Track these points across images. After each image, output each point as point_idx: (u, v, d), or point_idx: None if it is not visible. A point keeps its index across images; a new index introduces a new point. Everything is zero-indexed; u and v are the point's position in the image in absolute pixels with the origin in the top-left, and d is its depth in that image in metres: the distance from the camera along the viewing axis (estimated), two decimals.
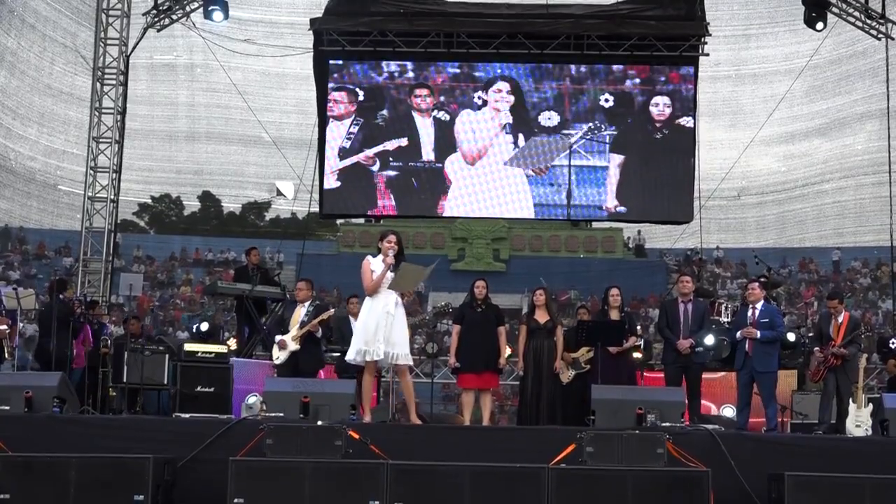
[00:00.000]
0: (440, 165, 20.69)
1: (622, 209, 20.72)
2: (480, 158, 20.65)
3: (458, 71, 20.87)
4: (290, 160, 28.89)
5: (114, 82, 21.74)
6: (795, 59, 35.61)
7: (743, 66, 43.78)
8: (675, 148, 20.56)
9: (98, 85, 21.73)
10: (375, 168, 20.70)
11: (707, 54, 20.77)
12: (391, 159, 20.73)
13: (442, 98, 20.84)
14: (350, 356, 12.11)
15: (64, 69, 42.01)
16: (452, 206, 20.89)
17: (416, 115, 20.78)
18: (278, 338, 14.07)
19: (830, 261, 47.86)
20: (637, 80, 20.71)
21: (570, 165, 20.43)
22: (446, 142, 20.72)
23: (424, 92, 20.82)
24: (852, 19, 21.91)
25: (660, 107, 20.58)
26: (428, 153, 20.72)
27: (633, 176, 20.57)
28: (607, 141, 20.56)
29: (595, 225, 45.43)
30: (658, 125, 20.56)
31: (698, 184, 20.96)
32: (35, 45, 42.00)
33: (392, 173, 20.71)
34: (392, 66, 20.87)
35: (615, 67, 20.71)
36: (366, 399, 12.25)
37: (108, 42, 21.80)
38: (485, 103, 20.69)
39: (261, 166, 48.69)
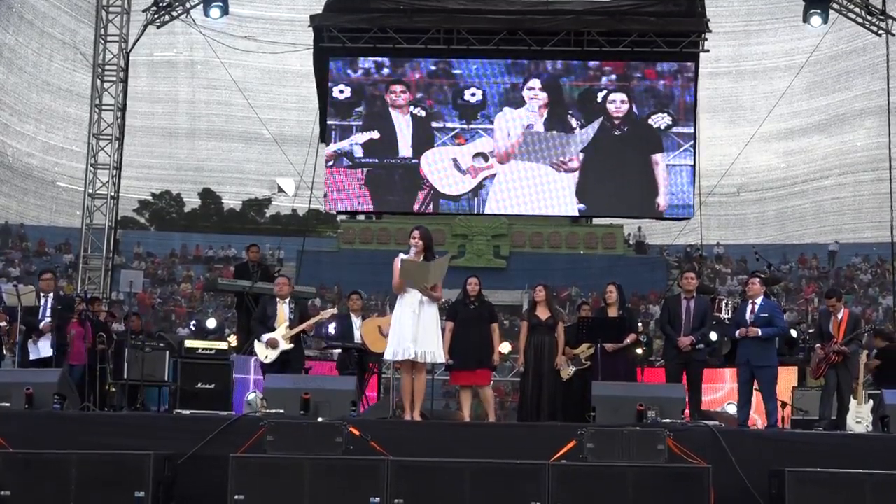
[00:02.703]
0: (416, 162, 20.69)
1: (582, 206, 20.81)
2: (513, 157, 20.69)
3: (434, 68, 20.90)
4: (290, 157, 28.89)
5: (114, 79, 21.75)
6: (795, 56, 35.64)
7: (743, 62, 43.85)
8: (637, 144, 20.60)
9: (98, 82, 21.73)
10: (349, 164, 20.67)
11: (707, 51, 20.77)
12: (367, 156, 20.71)
13: (419, 94, 20.84)
14: (386, 355, 12.26)
15: (63, 66, 42.08)
16: (494, 203, 20.87)
17: (393, 111, 20.77)
18: (266, 336, 13.88)
19: (827, 252, 47.80)
20: (613, 77, 20.73)
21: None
22: (423, 138, 20.72)
23: (400, 88, 20.82)
24: (852, 15, 21.90)
25: (616, 103, 20.61)
26: (405, 149, 20.71)
27: (593, 173, 20.60)
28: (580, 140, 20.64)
29: (595, 221, 45.39)
30: (616, 122, 20.60)
31: (698, 180, 20.97)
32: (33, 42, 42.07)
33: (368, 170, 20.70)
34: (368, 62, 20.89)
35: (591, 64, 20.75)
36: (405, 398, 12.27)
37: (109, 39, 21.80)
38: (523, 101, 20.71)
39: (261, 163, 48.71)
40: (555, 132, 20.55)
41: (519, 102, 20.63)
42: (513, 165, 20.60)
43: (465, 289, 13.77)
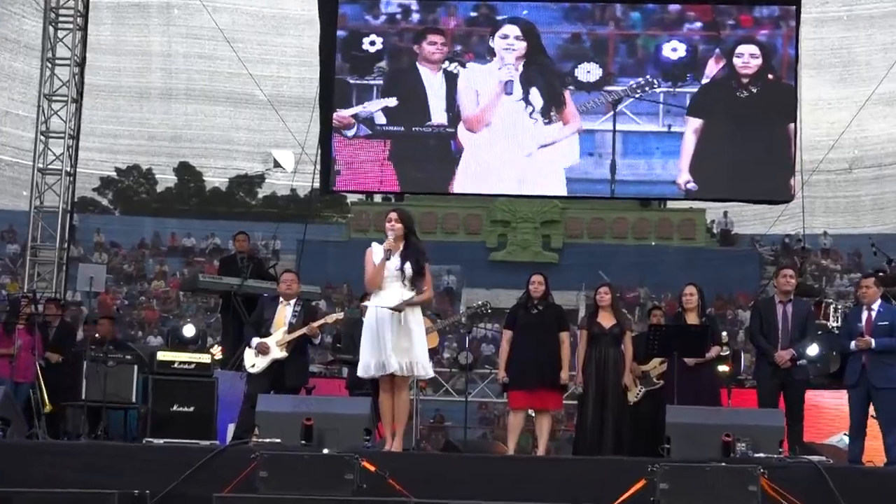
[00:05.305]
0: (452, 130, 20.51)
1: (693, 186, 20.56)
2: (487, 124, 20.51)
3: (474, 14, 20.72)
4: (289, 123, 28.99)
5: (70, 27, 21.76)
6: None
7: (856, 5, 43.60)
8: (767, 109, 20.39)
9: (51, 30, 21.75)
10: (368, 133, 20.55)
11: None
12: (390, 123, 20.57)
13: (458, 47, 20.68)
14: (359, 370, 12.19)
15: (9, 11, 42.27)
16: (462, 180, 20.66)
17: (422, 67, 20.60)
18: (256, 341, 13.97)
19: None
20: (698, 25, 20.56)
21: (613, 130, 20.31)
22: (459, 101, 20.59)
23: (437, 39, 20.65)
24: None
25: (745, 58, 20.39)
26: (438, 115, 20.52)
27: (710, 145, 20.41)
28: (662, 101, 20.41)
29: (670, 205, 45.34)
30: (744, 81, 20.39)
31: (800, 154, 20.82)
32: None
33: (393, 140, 20.54)
34: (392, 5, 20.74)
35: (671, 8, 20.58)
36: (385, 420, 12.26)
37: None
38: (493, 53, 20.52)
39: (253, 131, 48.90)
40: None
41: (577, 56, 20.50)
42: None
43: (528, 289, 13.81)
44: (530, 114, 19.94)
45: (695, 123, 20.14)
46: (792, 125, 20.12)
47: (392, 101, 20.27)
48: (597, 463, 12.45)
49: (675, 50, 20.33)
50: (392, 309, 11.70)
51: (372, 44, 20.55)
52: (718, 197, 23.33)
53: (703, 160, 20.20)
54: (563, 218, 47.36)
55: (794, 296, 14.12)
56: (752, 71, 20.11)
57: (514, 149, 20.14)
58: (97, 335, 16.23)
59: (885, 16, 42.52)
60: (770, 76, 20.19)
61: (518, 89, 19.96)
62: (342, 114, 20.42)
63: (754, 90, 20.12)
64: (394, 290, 11.88)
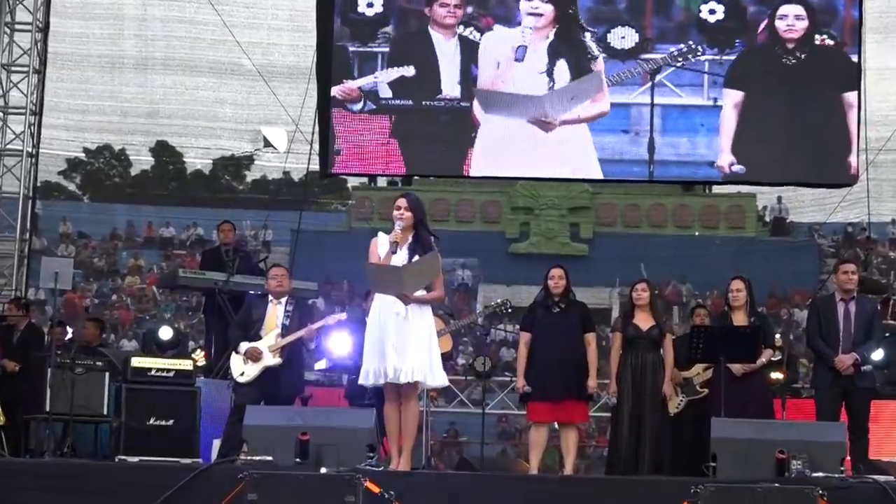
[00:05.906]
0: (467, 105, 20.40)
1: (739, 168, 20.44)
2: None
3: None
4: (281, 97, 28.97)
5: None
6: None
7: None
8: (817, 77, 20.31)
9: None
10: (373, 108, 20.46)
11: None
12: (396, 96, 20.50)
13: (470, 8, 20.59)
14: (360, 377, 12.21)
15: None
16: (478, 162, 20.49)
17: (434, 32, 20.54)
18: (245, 345, 14.01)
19: None
20: None
21: (651, 104, 20.20)
22: (477, 72, 20.49)
23: (450, 0, 20.55)
24: None
25: (789, 19, 20.32)
26: (450, 87, 20.43)
27: (756, 120, 20.32)
28: (707, 70, 20.29)
29: (716, 189, 45.23)
30: (790, 46, 20.31)
31: (865, 131, 20.77)
32: None
33: (398, 115, 20.45)
34: None
35: None
36: (391, 435, 12.27)
37: None
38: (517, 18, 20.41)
39: (240, 106, 48.90)
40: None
41: (610, 19, 20.41)
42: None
43: (546, 285, 13.78)
44: (550, 87, 19.90)
45: (735, 96, 20.01)
46: (847, 95, 19.98)
47: (409, 71, 20.12)
48: (633, 483, 12.49)
49: (712, 12, 20.18)
50: (398, 297, 11.70)
51: (370, 6, 20.40)
52: (768, 180, 23.19)
53: (747, 138, 20.07)
54: (593, 204, 47.36)
55: (857, 293, 14.12)
56: (798, 35, 19.96)
57: (536, 126, 20.10)
58: (87, 338, 16.24)
59: None
60: (818, 40, 20.07)
61: (542, 59, 19.92)
62: (349, 85, 20.29)
63: (801, 56, 20.00)
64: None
